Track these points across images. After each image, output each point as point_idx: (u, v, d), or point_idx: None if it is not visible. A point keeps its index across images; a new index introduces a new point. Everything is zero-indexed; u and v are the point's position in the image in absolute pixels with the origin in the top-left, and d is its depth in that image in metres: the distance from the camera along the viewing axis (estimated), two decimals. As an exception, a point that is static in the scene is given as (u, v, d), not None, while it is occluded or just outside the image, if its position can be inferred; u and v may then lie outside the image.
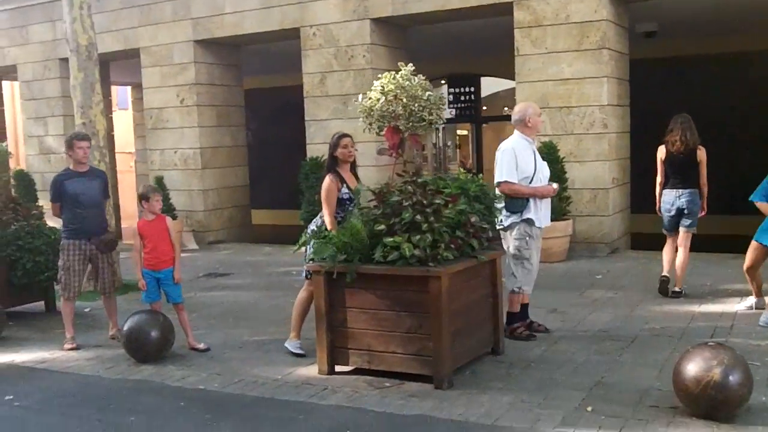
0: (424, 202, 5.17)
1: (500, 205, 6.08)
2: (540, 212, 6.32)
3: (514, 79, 11.31)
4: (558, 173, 9.93)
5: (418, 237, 5.15)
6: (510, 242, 6.28)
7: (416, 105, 5.38)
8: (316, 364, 5.71)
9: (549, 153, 10.07)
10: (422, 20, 11.91)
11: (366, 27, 11.81)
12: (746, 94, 14.06)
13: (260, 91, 17.86)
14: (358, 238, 5.33)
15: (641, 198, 12.03)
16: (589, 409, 4.71)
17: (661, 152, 7.96)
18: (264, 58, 15.53)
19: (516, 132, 6.42)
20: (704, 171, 7.79)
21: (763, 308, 6.95)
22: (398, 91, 5.39)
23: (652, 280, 8.74)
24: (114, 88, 20.20)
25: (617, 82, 10.85)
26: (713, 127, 12.42)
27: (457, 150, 21.15)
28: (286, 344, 6.27)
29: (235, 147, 14.57)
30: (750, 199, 6.86)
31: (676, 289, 7.87)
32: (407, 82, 5.44)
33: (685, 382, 4.39)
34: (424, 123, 5.45)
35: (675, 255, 7.98)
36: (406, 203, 5.17)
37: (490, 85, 17.99)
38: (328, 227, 5.83)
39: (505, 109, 19.47)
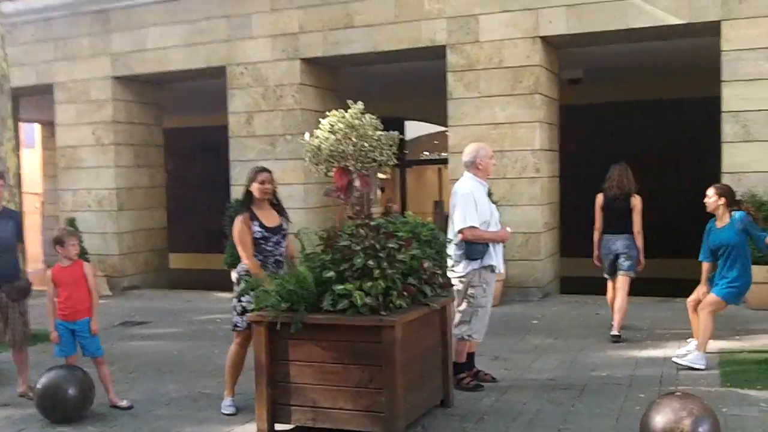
0: (377, 246, 4.87)
1: (458, 250, 5.86)
2: (499, 257, 6.12)
3: (442, 124, 11.24)
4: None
5: (369, 284, 4.83)
6: (465, 290, 6.02)
7: (367, 144, 5.10)
8: (254, 422, 5.28)
9: (482, 196, 9.96)
10: (353, 62, 11.74)
11: (296, 67, 11.54)
12: (668, 139, 14.36)
13: (181, 130, 17.30)
14: (305, 286, 4.98)
15: (568, 242, 12.11)
16: (555, 466, 4.45)
17: (599, 199, 8.10)
18: (185, 96, 15.04)
19: (467, 174, 6.23)
20: (638, 218, 7.89)
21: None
22: (347, 130, 5.10)
23: (589, 324, 8.70)
24: (20, 125, 19.23)
25: (549, 127, 10.89)
26: (637, 171, 12.65)
27: (380, 193, 20.98)
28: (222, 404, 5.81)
29: (152, 188, 13.96)
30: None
31: (615, 332, 7.82)
32: (356, 121, 5.16)
33: (655, 436, 4.18)
34: (375, 163, 5.17)
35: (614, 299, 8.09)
36: (358, 248, 4.85)
37: (411, 129, 18.05)
38: (251, 271, 5.47)
39: (425, 153, 19.58)
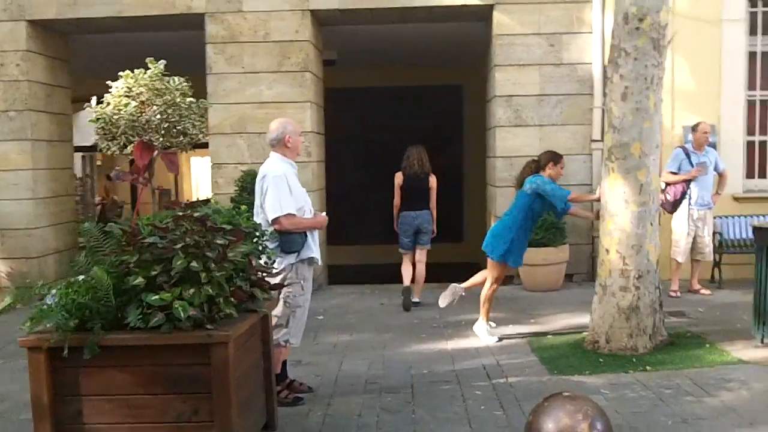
0: (202, 243, 3.85)
1: (271, 243, 4.95)
2: (317, 247, 5.32)
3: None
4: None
5: (192, 291, 3.82)
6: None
7: (175, 114, 4.04)
8: (31, 478, 4.01)
9: (252, 183, 9.08)
10: (93, 28, 10.11)
11: (21, 30, 9.66)
12: (418, 126, 14.34)
13: None
14: (101, 296, 3.82)
15: (328, 229, 11.58)
16: (432, 493, 3.79)
17: (399, 178, 8.65)
18: None
19: (275, 155, 5.36)
20: (434, 195, 8.62)
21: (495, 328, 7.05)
22: (150, 95, 4.00)
23: (379, 316, 8.22)
24: None
25: (317, 108, 10.24)
26: (388, 157, 12.63)
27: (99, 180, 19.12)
28: None
29: None
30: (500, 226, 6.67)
31: (416, 299, 8.62)
32: (158, 83, 4.07)
33: (550, 446, 3.68)
34: (186, 138, 4.12)
35: (413, 270, 8.70)
36: (178, 246, 3.79)
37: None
38: None
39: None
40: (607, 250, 6.20)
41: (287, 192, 5.14)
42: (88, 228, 4.25)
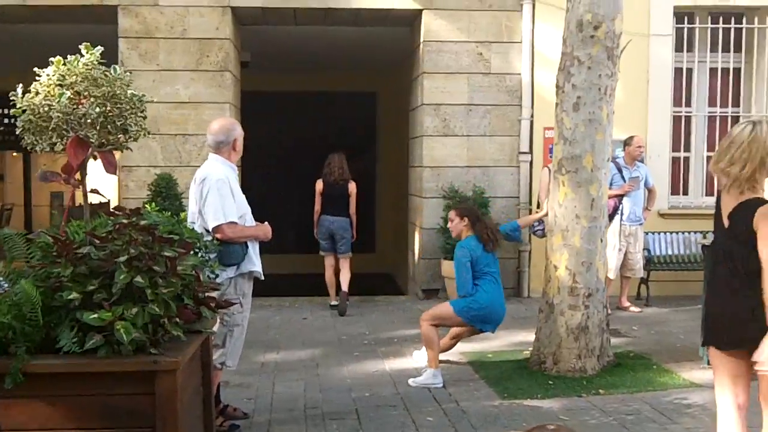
0: (147, 255, 3.35)
1: (212, 255, 4.46)
2: (258, 260, 4.87)
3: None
4: (176, 211, 8.43)
5: (135, 310, 3.32)
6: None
7: (116, 107, 3.53)
8: None
9: (167, 188, 8.53)
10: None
11: None
12: (330, 133, 13.98)
13: None
14: (26, 315, 3.27)
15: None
16: None
17: (319, 185, 8.91)
18: None
19: (215, 157, 4.86)
20: (354, 201, 8.90)
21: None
22: (86, 84, 3.48)
23: (304, 332, 7.79)
24: None
25: (236, 111, 9.72)
26: (300, 164, 12.37)
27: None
28: None
29: None
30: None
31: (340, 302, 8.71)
32: (96, 72, 3.54)
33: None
34: (126, 135, 3.61)
35: (336, 278, 8.94)
36: (122, 258, 3.29)
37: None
38: None
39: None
40: (556, 267, 5.99)
41: (230, 197, 4.69)
42: (9, 234, 3.68)
